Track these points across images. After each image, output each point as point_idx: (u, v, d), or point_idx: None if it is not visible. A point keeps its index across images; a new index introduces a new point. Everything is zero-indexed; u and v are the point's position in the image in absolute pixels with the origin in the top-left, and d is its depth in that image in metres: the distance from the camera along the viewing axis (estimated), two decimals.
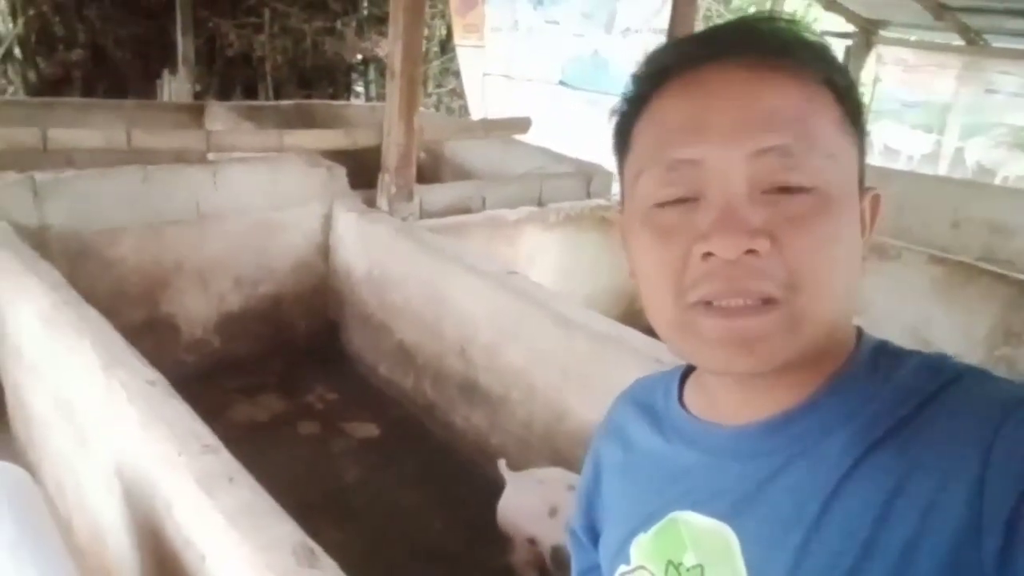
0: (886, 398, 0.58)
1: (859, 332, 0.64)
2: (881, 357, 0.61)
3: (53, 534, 1.37)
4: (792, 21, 0.62)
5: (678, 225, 0.59)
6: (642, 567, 0.69)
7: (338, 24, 8.34)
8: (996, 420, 0.52)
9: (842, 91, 0.60)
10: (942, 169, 5.77)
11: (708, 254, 0.56)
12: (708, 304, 0.57)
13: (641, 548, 0.69)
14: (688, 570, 0.64)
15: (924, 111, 5.79)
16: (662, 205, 0.60)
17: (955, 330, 3.62)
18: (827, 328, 0.58)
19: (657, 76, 0.62)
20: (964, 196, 4.60)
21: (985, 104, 5.54)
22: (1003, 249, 4.31)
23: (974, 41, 5.59)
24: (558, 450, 2.58)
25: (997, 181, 5.56)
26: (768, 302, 0.56)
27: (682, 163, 0.59)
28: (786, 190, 0.56)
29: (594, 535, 0.80)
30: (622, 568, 0.71)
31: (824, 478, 0.57)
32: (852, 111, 0.61)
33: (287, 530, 1.37)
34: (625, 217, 0.66)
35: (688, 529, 0.65)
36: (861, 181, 0.62)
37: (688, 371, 0.74)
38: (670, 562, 0.66)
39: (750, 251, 0.55)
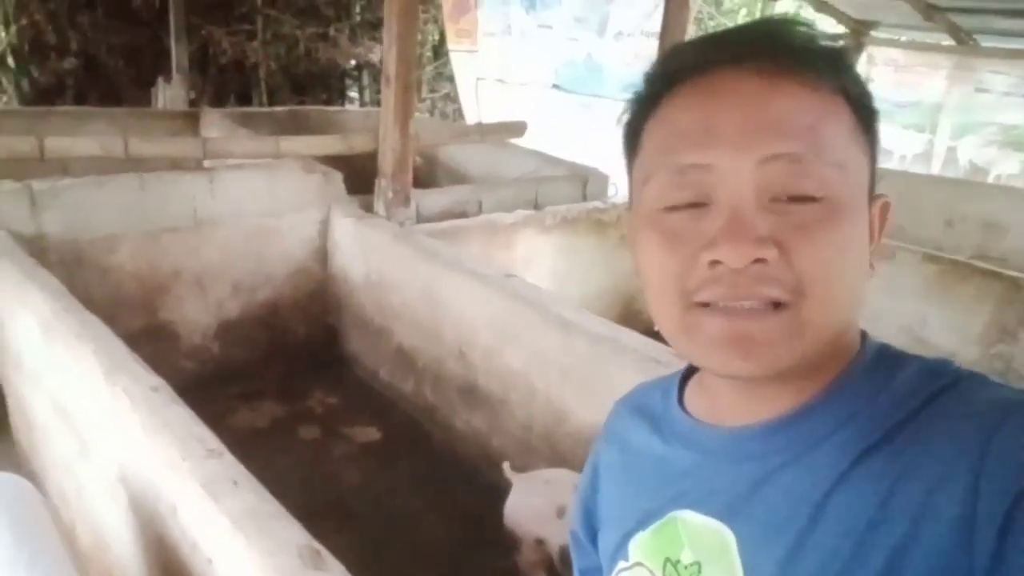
0: (883, 403, 0.58)
1: (863, 336, 0.65)
2: (882, 362, 0.62)
3: (55, 544, 1.37)
4: (808, 26, 0.62)
5: (686, 230, 0.59)
6: (640, 564, 0.70)
7: (331, 30, 8.35)
8: (991, 425, 0.52)
9: (855, 99, 0.60)
10: (935, 168, 5.79)
11: (715, 262, 0.57)
12: (712, 305, 0.58)
13: (640, 546, 0.70)
14: (686, 568, 0.65)
15: (916, 111, 5.82)
16: (670, 209, 0.61)
17: (950, 328, 3.64)
18: (831, 335, 0.59)
19: (669, 77, 0.62)
20: (957, 195, 4.62)
21: (976, 103, 5.57)
22: (996, 247, 4.33)
23: (964, 41, 5.62)
24: (559, 451, 2.59)
25: (990, 179, 5.59)
26: (775, 306, 0.56)
27: (691, 168, 0.59)
28: (795, 198, 0.56)
29: (594, 536, 0.81)
30: (621, 564, 0.72)
31: (819, 480, 0.58)
32: (865, 119, 0.61)
33: (293, 533, 1.38)
34: (632, 218, 0.66)
35: (686, 528, 0.66)
36: (872, 189, 0.62)
37: (689, 373, 0.75)
38: (668, 559, 0.67)
39: (758, 260, 0.56)
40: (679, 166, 0.60)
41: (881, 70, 5.98)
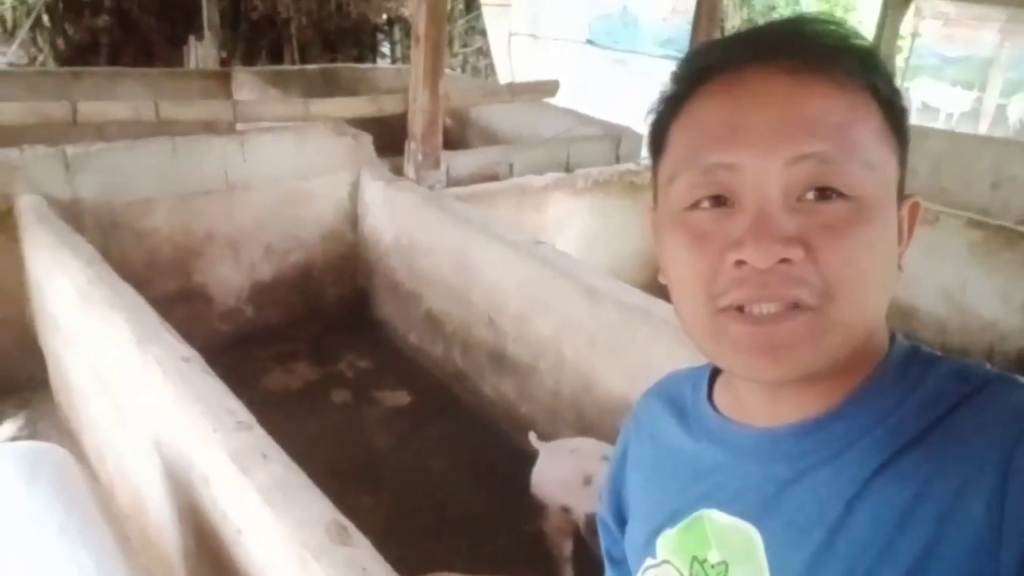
0: (913, 406, 0.58)
1: (892, 337, 0.64)
2: (912, 364, 0.61)
3: (99, 515, 1.41)
4: (840, 24, 0.60)
5: (712, 230, 0.58)
6: (667, 562, 0.70)
7: None
8: (1017, 428, 0.52)
9: (886, 99, 0.59)
10: (983, 127, 5.59)
11: (741, 262, 0.56)
12: (739, 310, 0.57)
13: (667, 543, 0.71)
14: (713, 567, 0.65)
15: (964, 67, 5.62)
16: (695, 207, 0.60)
17: (992, 295, 3.55)
18: (858, 337, 0.58)
19: (696, 76, 0.61)
20: (1005, 155, 4.46)
21: None
22: None
23: None
24: (586, 419, 2.59)
25: None
26: (798, 307, 0.55)
27: (717, 167, 0.58)
28: (823, 198, 0.56)
29: (623, 523, 0.82)
30: (648, 562, 0.72)
31: (847, 483, 0.58)
32: (895, 120, 0.60)
33: (320, 507, 1.40)
34: (658, 218, 0.66)
35: (713, 527, 0.66)
36: (901, 189, 0.61)
37: (718, 368, 0.74)
38: (695, 558, 0.67)
39: (783, 260, 0.54)
40: (705, 165, 0.59)
41: (929, 24, 5.77)
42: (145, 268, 3.11)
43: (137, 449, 2.05)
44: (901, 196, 0.61)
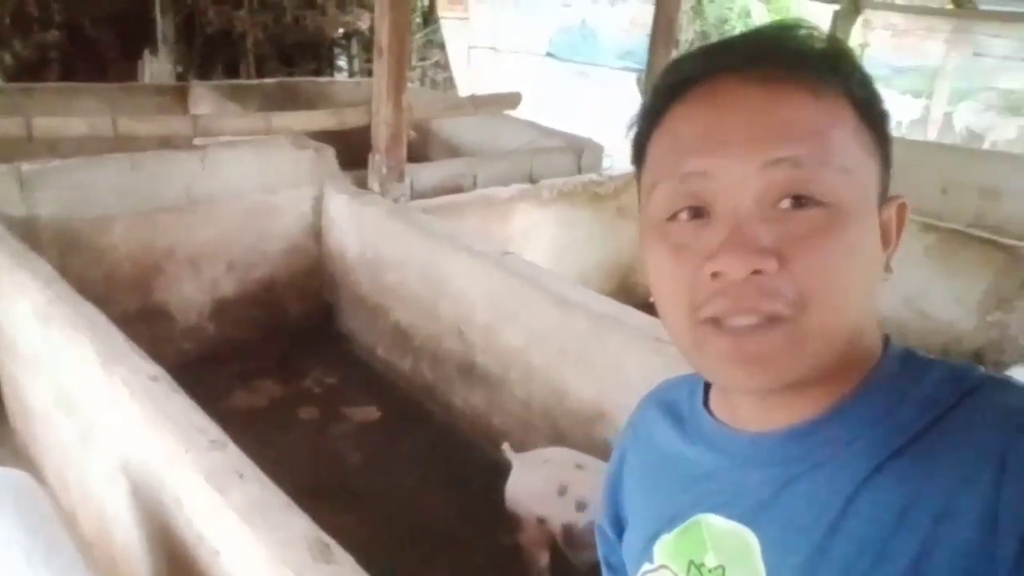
0: (907, 409, 0.58)
1: (887, 341, 0.64)
2: (905, 368, 0.62)
3: (65, 541, 1.37)
4: (815, 29, 0.61)
5: (690, 241, 0.59)
6: (665, 567, 0.70)
7: None
8: (1012, 430, 0.53)
9: (861, 102, 0.59)
10: (931, 134, 5.76)
11: (717, 273, 0.56)
12: (717, 322, 0.58)
13: (664, 548, 0.71)
14: (710, 571, 0.66)
15: (913, 76, 5.78)
16: (674, 219, 0.61)
17: (949, 297, 3.65)
18: (839, 345, 0.58)
19: (674, 88, 0.62)
20: (954, 162, 4.60)
21: (974, 68, 5.52)
22: (993, 214, 4.32)
23: (963, 4, 5.55)
24: (559, 429, 2.59)
25: (986, 146, 5.56)
26: (775, 320, 0.56)
27: (693, 175, 0.59)
28: (798, 206, 0.56)
29: (621, 530, 0.82)
30: (646, 567, 0.72)
31: (842, 485, 0.58)
32: (872, 122, 0.60)
33: (301, 526, 1.38)
34: (641, 229, 0.66)
35: (710, 531, 0.66)
36: (885, 192, 0.62)
37: None
38: (692, 562, 0.67)
39: (758, 271, 0.55)
40: (681, 174, 0.59)
41: (878, 35, 5.92)
42: (104, 286, 3.04)
43: (103, 473, 2.00)
44: (885, 198, 0.61)
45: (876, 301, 0.62)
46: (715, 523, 0.66)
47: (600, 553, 0.88)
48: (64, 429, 2.25)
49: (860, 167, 0.58)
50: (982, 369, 0.60)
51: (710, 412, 0.71)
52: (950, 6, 5.61)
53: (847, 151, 0.57)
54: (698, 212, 0.59)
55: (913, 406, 0.58)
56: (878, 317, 0.63)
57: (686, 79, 0.61)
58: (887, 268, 0.62)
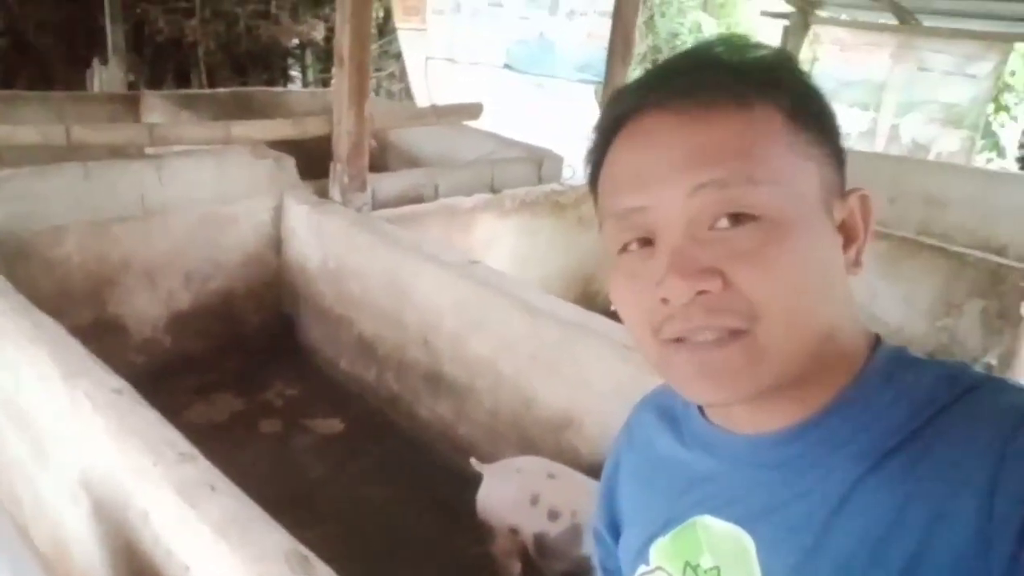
0: (900, 410, 0.58)
1: (876, 340, 0.65)
2: (897, 367, 0.62)
3: (29, 559, 1.32)
4: (738, 41, 0.62)
5: (640, 270, 0.61)
6: (661, 569, 0.70)
7: (272, 7, 8.10)
8: (1008, 429, 0.53)
9: (791, 109, 0.59)
10: (879, 146, 5.93)
11: (665, 299, 0.58)
12: (680, 340, 0.59)
13: (660, 550, 0.71)
14: (705, 572, 0.66)
15: (861, 89, 5.95)
16: (625, 250, 0.63)
17: (898, 303, 3.75)
18: (806, 349, 0.58)
19: (611, 127, 0.64)
20: (900, 171, 4.75)
21: (919, 82, 5.71)
22: (938, 223, 4.47)
23: (907, 20, 5.76)
24: (527, 437, 2.59)
25: (931, 157, 5.75)
26: (734, 333, 0.57)
27: (630, 212, 0.61)
28: (735, 222, 0.57)
29: (616, 533, 0.82)
30: (642, 569, 0.73)
31: (836, 486, 0.58)
32: (809, 124, 0.60)
33: (278, 538, 1.35)
34: (606, 260, 0.68)
35: (705, 533, 0.67)
36: (838, 188, 0.62)
37: None
38: (688, 564, 0.68)
39: (702, 291, 0.56)
40: (619, 211, 0.62)
41: (827, 49, 6.09)
42: (56, 299, 2.93)
43: (60, 489, 1.93)
44: (840, 194, 0.61)
45: (850, 298, 0.62)
46: (711, 525, 0.66)
47: (597, 558, 0.88)
48: (18, 444, 2.17)
49: (794, 174, 0.58)
50: (975, 369, 0.60)
51: (705, 416, 0.71)
52: (895, 22, 5.81)
53: (775, 161, 0.58)
54: (647, 240, 0.61)
55: (908, 406, 0.58)
56: (860, 315, 0.63)
57: (619, 117, 0.63)
58: (856, 263, 0.62)
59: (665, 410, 0.78)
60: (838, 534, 0.57)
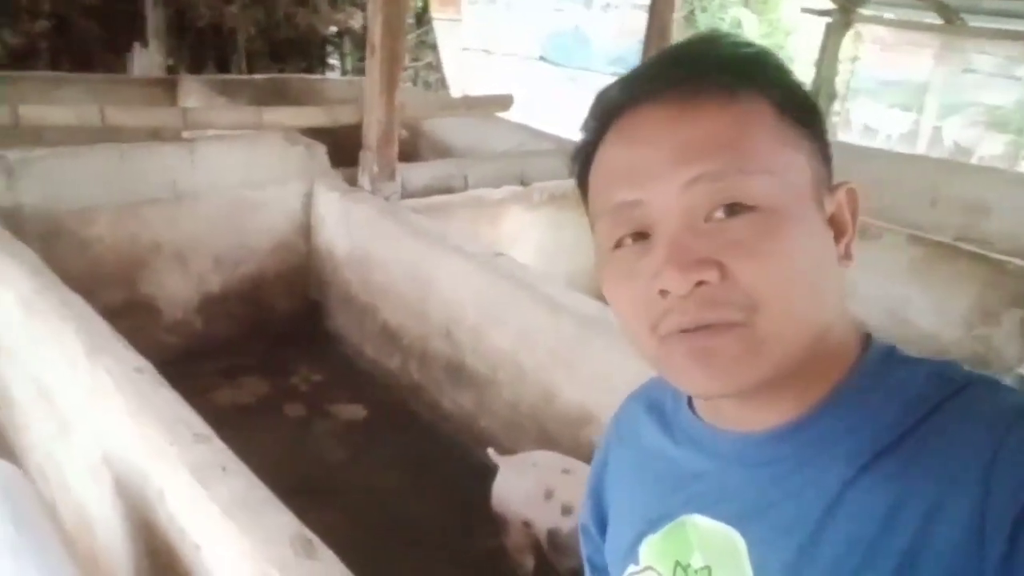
0: (893, 408, 0.58)
1: (867, 338, 0.64)
2: (890, 365, 0.61)
3: (52, 534, 1.35)
4: (723, 39, 0.62)
5: (636, 265, 0.60)
6: (651, 568, 0.70)
7: None
8: (1001, 428, 0.53)
9: (780, 102, 0.60)
10: (920, 148, 5.81)
11: (663, 291, 0.57)
12: (679, 332, 0.58)
13: (650, 549, 0.70)
14: (696, 571, 0.65)
15: (902, 90, 5.83)
16: (619, 246, 0.62)
17: (933, 310, 3.67)
18: (800, 342, 0.58)
19: (602, 121, 0.64)
20: (941, 175, 4.64)
21: (962, 83, 5.58)
22: (979, 228, 4.37)
23: (952, 20, 5.62)
24: (547, 431, 2.58)
25: (974, 160, 5.62)
26: (730, 325, 0.56)
27: (624, 206, 0.60)
28: (731, 213, 0.57)
29: (604, 528, 0.81)
30: (631, 568, 0.72)
31: (828, 485, 0.58)
32: (797, 117, 0.60)
33: (284, 521, 1.36)
34: (597, 261, 0.67)
35: (696, 532, 0.66)
36: (826, 181, 0.62)
37: None
38: (678, 563, 0.67)
39: (701, 282, 0.56)
40: (614, 206, 0.61)
41: (868, 48, 5.97)
42: (88, 279, 2.99)
43: (84, 466, 1.97)
44: (828, 187, 0.62)
45: (842, 295, 0.62)
46: (701, 524, 0.66)
47: (584, 553, 0.87)
48: (45, 421, 2.21)
49: (786, 165, 0.59)
50: (967, 368, 0.60)
51: (695, 412, 0.71)
52: (939, 22, 5.68)
53: (767, 152, 0.58)
54: (641, 235, 0.60)
55: (900, 405, 0.58)
56: (852, 313, 0.63)
57: (611, 111, 0.63)
58: (847, 256, 0.62)
59: (655, 405, 0.77)
60: (830, 534, 0.57)
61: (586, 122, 0.66)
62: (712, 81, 0.58)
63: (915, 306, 3.71)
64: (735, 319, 0.56)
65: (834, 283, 0.61)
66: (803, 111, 0.61)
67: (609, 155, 0.63)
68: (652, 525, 0.70)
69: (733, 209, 0.56)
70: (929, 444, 0.55)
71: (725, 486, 0.65)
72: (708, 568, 0.64)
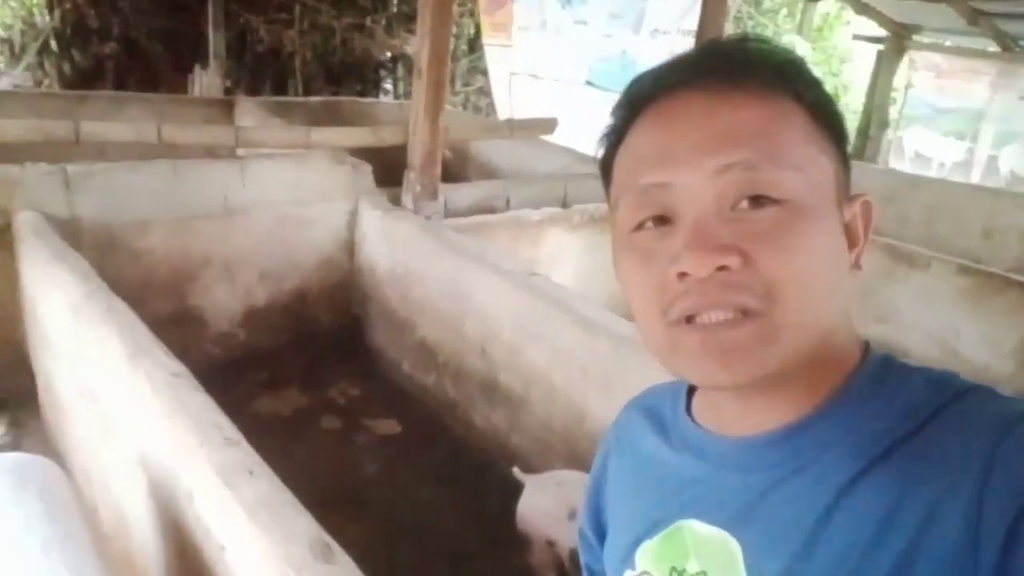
0: (889, 415, 0.58)
1: (866, 346, 0.65)
2: (887, 372, 0.62)
3: (82, 531, 1.39)
4: (761, 40, 0.63)
5: (655, 248, 0.61)
6: (647, 572, 0.70)
7: (368, 21, 8.38)
8: (997, 436, 0.53)
9: (812, 105, 0.61)
10: (975, 177, 5.66)
11: (683, 273, 0.58)
12: (690, 320, 0.59)
13: (646, 554, 0.71)
14: None
15: (957, 118, 5.69)
16: (640, 228, 0.62)
17: (983, 342, 3.56)
18: (809, 340, 0.59)
19: (632, 107, 0.65)
20: (996, 205, 4.51)
21: (1019, 111, 5.43)
22: None
23: (1009, 47, 5.49)
24: (577, 451, 2.58)
25: None
26: (746, 313, 0.57)
27: (652, 187, 0.61)
28: (756, 205, 0.58)
29: (602, 535, 0.82)
30: (628, 573, 0.73)
31: (824, 491, 0.58)
32: (826, 123, 0.62)
33: (304, 524, 1.39)
34: (613, 244, 0.68)
35: (692, 537, 0.66)
36: (845, 190, 0.63)
37: None
38: (674, 568, 0.67)
39: (722, 267, 0.56)
40: (641, 187, 0.62)
41: (922, 75, 5.87)
42: (140, 288, 3.11)
43: (123, 467, 2.03)
44: (846, 196, 0.63)
45: (850, 301, 0.63)
46: (697, 529, 0.66)
47: (583, 560, 0.88)
48: (89, 423, 2.30)
49: (813, 165, 0.60)
50: (962, 377, 0.60)
51: (693, 419, 0.71)
52: (996, 48, 5.55)
53: (798, 150, 0.59)
54: (662, 219, 0.61)
55: (897, 411, 0.58)
56: (853, 320, 0.64)
57: (643, 97, 0.64)
58: (856, 266, 0.63)
59: (653, 412, 0.78)
60: (826, 540, 0.57)
61: (617, 107, 0.67)
62: (751, 75, 0.60)
63: (964, 337, 3.61)
64: (753, 306, 0.56)
65: (845, 287, 0.62)
66: (832, 118, 0.63)
67: (640, 138, 0.64)
68: (649, 530, 0.71)
69: (759, 201, 0.58)
70: (925, 451, 0.56)
71: (721, 491, 0.65)
72: (704, 573, 0.65)
